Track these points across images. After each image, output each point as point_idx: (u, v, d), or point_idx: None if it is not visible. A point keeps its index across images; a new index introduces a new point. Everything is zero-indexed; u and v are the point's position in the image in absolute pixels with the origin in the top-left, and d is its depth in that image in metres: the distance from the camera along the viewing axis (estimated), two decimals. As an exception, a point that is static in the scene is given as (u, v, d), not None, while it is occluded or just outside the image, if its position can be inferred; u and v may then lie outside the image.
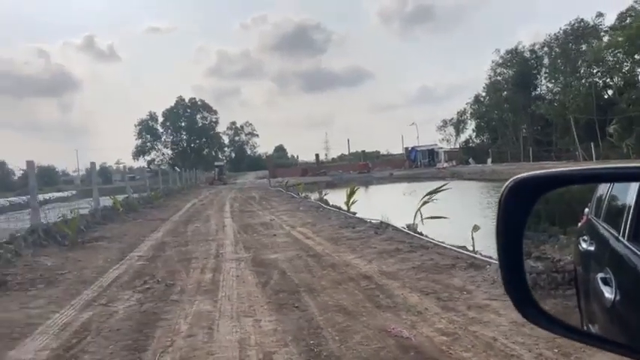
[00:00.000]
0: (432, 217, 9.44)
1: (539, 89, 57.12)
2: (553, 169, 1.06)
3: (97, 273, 6.81)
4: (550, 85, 55.21)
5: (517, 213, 1.06)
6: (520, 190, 1.04)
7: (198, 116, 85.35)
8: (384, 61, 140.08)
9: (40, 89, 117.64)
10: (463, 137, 68.41)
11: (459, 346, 3.43)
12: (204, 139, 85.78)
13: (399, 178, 45.03)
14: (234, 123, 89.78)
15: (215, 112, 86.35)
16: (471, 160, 57.28)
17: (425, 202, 9.68)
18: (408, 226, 9.27)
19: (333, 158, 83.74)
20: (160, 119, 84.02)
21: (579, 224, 1.55)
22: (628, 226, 1.12)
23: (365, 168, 54.54)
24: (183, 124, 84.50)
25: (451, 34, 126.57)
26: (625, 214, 1.15)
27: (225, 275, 6.30)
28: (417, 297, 4.71)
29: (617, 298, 1.04)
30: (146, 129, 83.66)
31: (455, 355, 3.30)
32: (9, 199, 35.10)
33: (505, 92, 58.51)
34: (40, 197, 11.89)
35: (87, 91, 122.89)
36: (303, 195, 21.39)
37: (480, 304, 4.35)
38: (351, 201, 13.90)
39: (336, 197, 17.50)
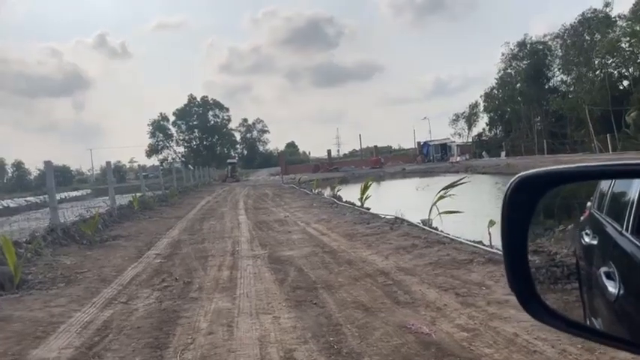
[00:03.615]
0: (447, 212, 9.38)
1: (552, 81, 56.38)
2: (557, 167, 1.06)
3: (116, 271, 6.89)
4: (564, 77, 54.49)
5: (522, 210, 1.06)
6: (524, 188, 1.05)
7: (210, 114, 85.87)
8: (395, 55, 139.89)
9: (53, 89, 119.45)
10: (475, 131, 67.89)
11: (480, 342, 3.41)
12: (216, 137, 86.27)
13: (411, 172, 44.79)
14: (245, 120, 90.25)
15: (227, 110, 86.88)
16: (484, 153, 56.79)
17: (441, 197, 9.61)
18: (423, 222, 9.24)
19: (344, 154, 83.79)
20: (172, 118, 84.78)
21: (581, 218, 1.56)
22: (632, 220, 1.12)
23: (377, 163, 54.28)
24: (195, 122, 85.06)
25: (465, 24, 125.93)
26: (628, 209, 1.16)
27: (242, 272, 6.34)
28: (435, 293, 4.69)
29: (621, 292, 1.04)
30: (158, 128, 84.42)
31: (477, 351, 3.28)
32: (26, 198, 35.66)
33: (518, 85, 57.80)
34: (57, 197, 12.06)
35: (100, 90, 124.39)
36: (316, 191, 21.42)
37: (499, 299, 4.31)
38: (364, 196, 13.90)
39: (349, 193, 17.50)
